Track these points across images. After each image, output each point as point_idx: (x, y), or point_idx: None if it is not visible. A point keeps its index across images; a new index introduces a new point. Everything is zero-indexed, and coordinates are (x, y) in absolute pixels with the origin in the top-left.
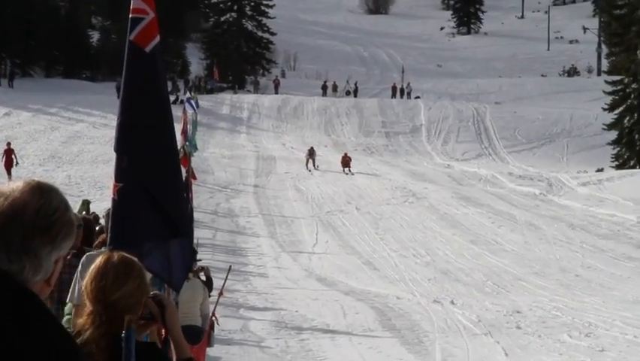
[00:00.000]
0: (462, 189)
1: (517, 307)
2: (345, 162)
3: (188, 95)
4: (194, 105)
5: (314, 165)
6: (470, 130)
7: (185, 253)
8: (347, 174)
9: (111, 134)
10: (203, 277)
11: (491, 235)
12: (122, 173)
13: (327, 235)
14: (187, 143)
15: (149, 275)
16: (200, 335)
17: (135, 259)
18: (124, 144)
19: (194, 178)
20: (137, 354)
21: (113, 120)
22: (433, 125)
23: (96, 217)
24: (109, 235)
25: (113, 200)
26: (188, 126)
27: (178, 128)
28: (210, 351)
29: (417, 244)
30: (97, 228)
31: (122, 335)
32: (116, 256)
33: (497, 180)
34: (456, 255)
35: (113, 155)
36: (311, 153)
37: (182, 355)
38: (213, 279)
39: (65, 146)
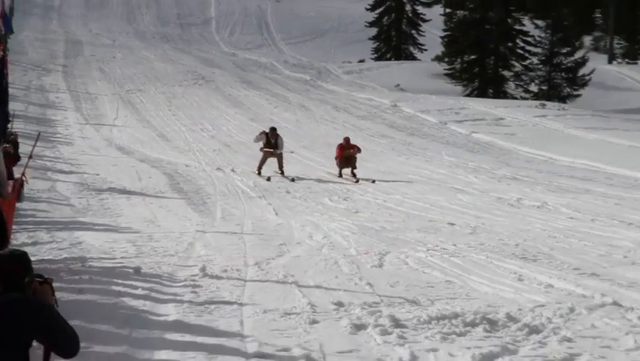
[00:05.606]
0: (244, 74)
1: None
2: (347, 158)
3: None
4: None
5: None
6: (253, 24)
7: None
8: (354, 179)
9: None
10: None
11: (268, 114)
12: None
13: (127, 111)
14: (4, 26)
15: None
16: None
17: None
18: None
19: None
20: None
21: None
22: (222, 19)
23: None
24: None
25: None
26: (6, 10)
27: None
28: (20, 206)
29: (205, 121)
30: None
31: None
32: None
33: (275, 67)
34: (237, 130)
35: None
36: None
37: None
38: (25, 145)
39: None
